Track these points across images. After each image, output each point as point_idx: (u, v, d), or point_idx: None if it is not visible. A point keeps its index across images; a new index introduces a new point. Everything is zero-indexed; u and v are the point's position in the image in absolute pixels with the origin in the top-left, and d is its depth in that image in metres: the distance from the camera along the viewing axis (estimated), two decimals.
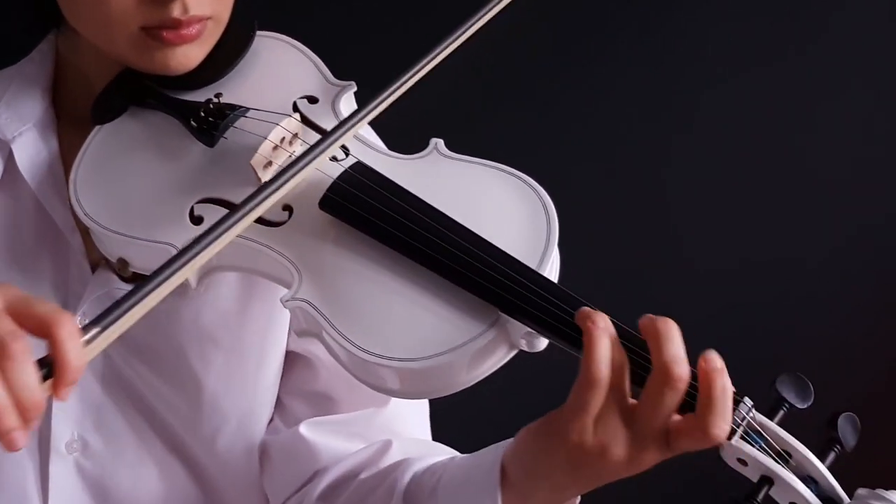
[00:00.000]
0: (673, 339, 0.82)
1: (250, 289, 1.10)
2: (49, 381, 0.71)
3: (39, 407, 0.69)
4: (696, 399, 0.82)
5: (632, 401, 0.84)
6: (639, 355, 0.84)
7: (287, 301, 0.92)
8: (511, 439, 0.93)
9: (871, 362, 1.92)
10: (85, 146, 1.05)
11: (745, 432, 0.84)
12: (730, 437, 0.83)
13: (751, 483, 0.84)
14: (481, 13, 1.03)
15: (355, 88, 1.07)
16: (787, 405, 0.86)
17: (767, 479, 0.83)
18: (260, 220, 0.96)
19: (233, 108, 1.04)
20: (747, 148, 1.85)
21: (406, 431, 1.12)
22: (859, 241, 1.90)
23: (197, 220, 0.98)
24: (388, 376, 0.90)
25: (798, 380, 0.87)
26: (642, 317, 0.84)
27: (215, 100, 1.04)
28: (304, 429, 1.10)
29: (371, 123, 1.17)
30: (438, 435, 1.17)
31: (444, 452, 1.09)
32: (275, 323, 1.11)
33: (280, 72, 1.10)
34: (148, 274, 0.79)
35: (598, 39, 1.80)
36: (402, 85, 0.97)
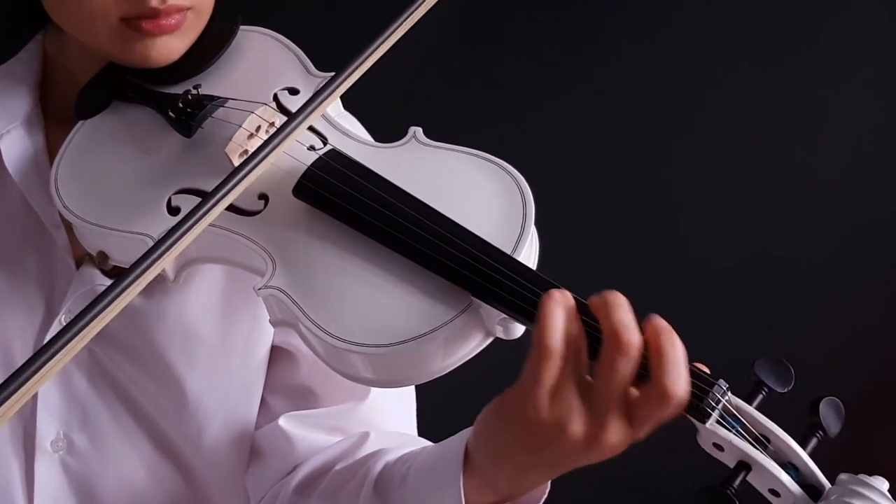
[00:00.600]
0: (620, 306, 0.80)
1: (234, 285, 1.09)
2: None
3: None
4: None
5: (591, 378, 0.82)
6: (598, 330, 0.81)
7: (259, 289, 0.92)
8: None
9: (869, 355, 1.91)
10: (68, 140, 1.06)
11: (721, 416, 0.81)
12: (704, 421, 0.81)
13: (728, 469, 0.81)
14: None
15: None
16: (765, 389, 0.83)
17: (744, 465, 0.81)
18: (236, 210, 0.96)
19: (211, 98, 1.04)
20: (747, 148, 1.85)
21: (386, 424, 1.11)
22: (859, 240, 1.89)
23: (174, 210, 0.98)
24: (359, 363, 0.89)
25: (778, 364, 0.84)
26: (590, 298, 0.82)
27: (193, 91, 1.04)
28: (283, 422, 1.09)
29: (367, 121, 1.18)
30: (428, 430, 1.15)
31: (421, 444, 1.07)
32: (259, 319, 1.10)
33: (262, 64, 1.10)
34: (127, 267, 0.80)
35: (600, 35, 1.81)
36: (365, 60, 0.96)
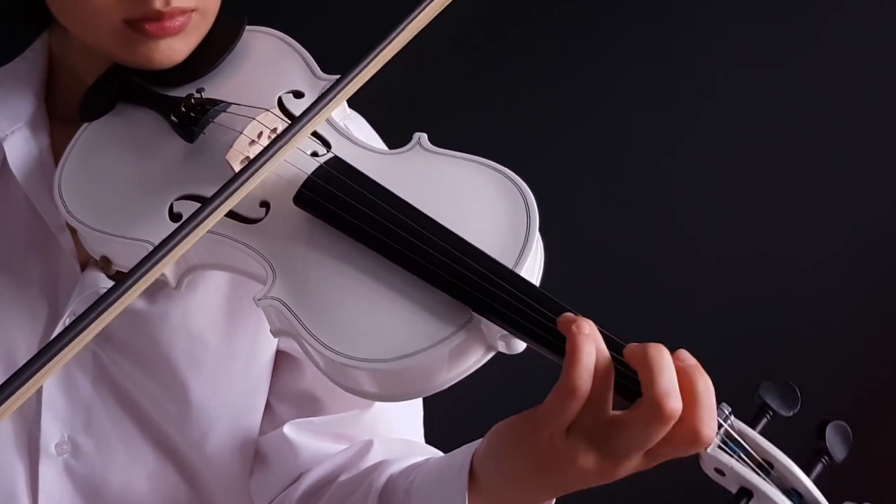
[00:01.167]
0: (666, 371, 0.76)
1: (239, 290, 1.09)
2: None
3: None
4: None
5: (614, 412, 0.80)
6: (624, 365, 0.80)
7: (259, 300, 0.91)
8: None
9: (871, 367, 1.88)
10: (71, 144, 1.05)
11: (723, 441, 0.79)
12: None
13: (729, 495, 0.80)
14: None
15: None
16: (770, 412, 0.81)
17: (746, 492, 0.79)
18: (237, 217, 0.95)
19: (214, 103, 1.02)
20: (747, 148, 1.83)
21: (392, 432, 1.10)
22: (859, 240, 1.87)
23: (176, 216, 0.97)
24: (359, 378, 0.88)
25: (784, 386, 0.82)
26: (628, 345, 0.80)
27: (197, 95, 1.03)
28: (287, 429, 1.09)
29: (371, 124, 1.16)
30: (435, 439, 1.14)
31: (426, 452, 1.06)
32: (264, 325, 1.08)
33: (267, 67, 1.08)
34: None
35: (601, 35, 1.80)
36: (368, 65, 0.94)
